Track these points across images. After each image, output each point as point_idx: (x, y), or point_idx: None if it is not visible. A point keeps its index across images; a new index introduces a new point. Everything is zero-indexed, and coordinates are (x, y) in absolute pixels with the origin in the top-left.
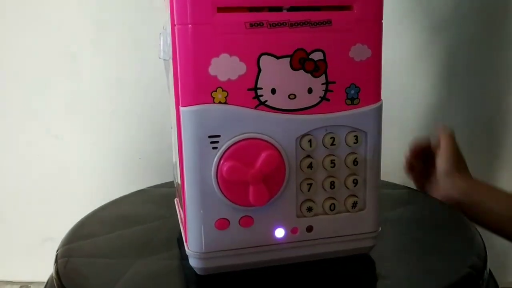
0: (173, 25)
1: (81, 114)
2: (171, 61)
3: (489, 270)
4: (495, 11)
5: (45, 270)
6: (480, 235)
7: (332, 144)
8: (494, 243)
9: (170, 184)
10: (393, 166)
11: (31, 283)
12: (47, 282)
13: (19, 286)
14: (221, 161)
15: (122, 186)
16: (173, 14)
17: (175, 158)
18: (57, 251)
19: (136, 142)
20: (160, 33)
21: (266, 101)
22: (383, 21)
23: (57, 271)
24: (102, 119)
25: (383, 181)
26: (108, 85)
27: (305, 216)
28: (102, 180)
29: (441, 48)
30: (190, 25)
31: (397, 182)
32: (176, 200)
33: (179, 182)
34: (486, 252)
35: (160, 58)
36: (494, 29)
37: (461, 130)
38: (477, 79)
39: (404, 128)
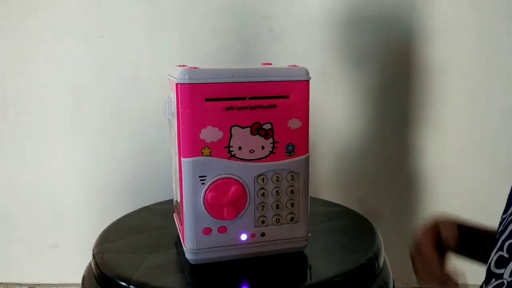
0: (178, 107)
1: (84, 137)
2: (174, 120)
3: (386, 263)
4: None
5: (50, 273)
6: (380, 239)
7: (277, 180)
8: None
9: (167, 202)
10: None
11: (38, 285)
12: (84, 276)
13: (27, 287)
14: (207, 192)
15: (119, 199)
16: (178, 101)
17: (175, 185)
18: (93, 250)
19: (131, 162)
20: (166, 101)
21: (235, 154)
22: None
23: (95, 262)
24: (102, 141)
25: (323, 200)
26: (107, 114)
27: (260, 226)
28: (101, 194)
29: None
30: (188, 109)
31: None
32: (174, 215)
33: (179, 201)
34: (382, 249)
35: (165, 118)
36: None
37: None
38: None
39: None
